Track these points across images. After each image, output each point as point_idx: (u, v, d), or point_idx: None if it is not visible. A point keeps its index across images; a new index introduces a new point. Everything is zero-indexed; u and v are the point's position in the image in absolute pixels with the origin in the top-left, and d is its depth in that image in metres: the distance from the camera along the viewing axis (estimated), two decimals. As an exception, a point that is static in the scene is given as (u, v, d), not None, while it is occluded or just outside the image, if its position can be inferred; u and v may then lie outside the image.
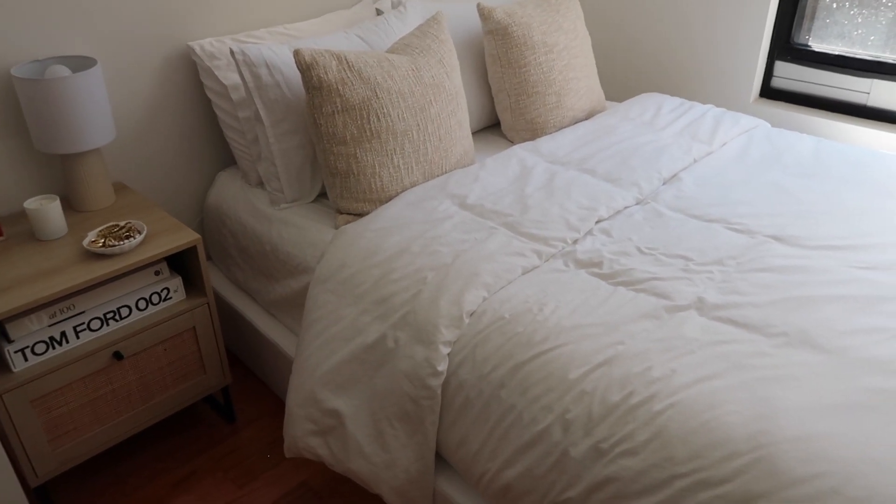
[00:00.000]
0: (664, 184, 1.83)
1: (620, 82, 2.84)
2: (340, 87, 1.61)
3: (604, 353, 1.21)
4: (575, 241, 1.56)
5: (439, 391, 1.32)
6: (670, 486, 1.02)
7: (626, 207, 1.70)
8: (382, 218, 1.62)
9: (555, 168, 1.85)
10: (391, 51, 1.81)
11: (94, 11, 1.70)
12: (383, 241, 1.54)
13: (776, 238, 1.55)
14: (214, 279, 2.08)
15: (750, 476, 0.97)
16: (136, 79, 1.83)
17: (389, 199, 1.72)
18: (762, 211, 1.67)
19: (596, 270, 1.46)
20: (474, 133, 2.27)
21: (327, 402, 1.46)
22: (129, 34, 1.77)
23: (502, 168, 1.85)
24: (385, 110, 1.66)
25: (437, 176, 1.81)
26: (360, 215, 1.71)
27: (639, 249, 1.52)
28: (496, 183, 1.77)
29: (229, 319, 2.04)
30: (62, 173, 1.68)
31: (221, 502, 1.66)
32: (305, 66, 1.58)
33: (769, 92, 2.49)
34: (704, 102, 2.60)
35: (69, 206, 1.73)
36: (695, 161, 1.93)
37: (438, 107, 1.76)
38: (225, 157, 2.09)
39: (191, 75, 1.93)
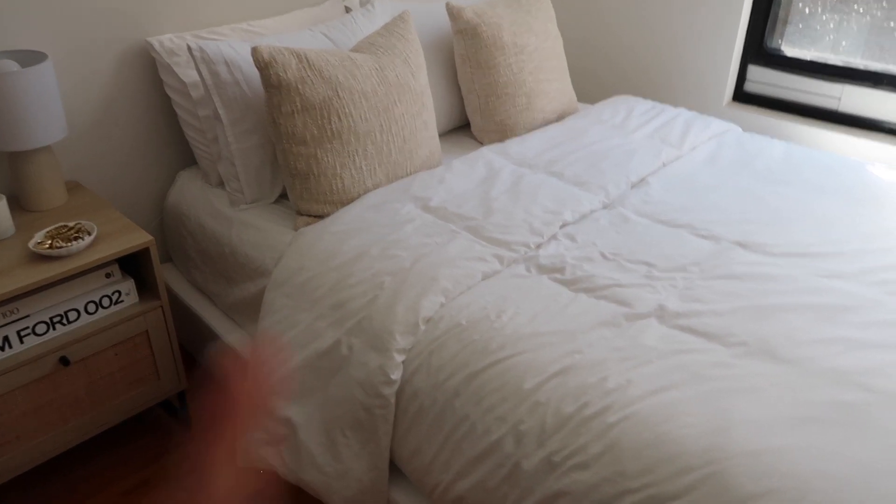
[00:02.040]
0: (632, 188, 1.80)
1: (594, 84, 2.82)
2: (300, 86, 1.56)
3: (560, 362, 1.18)
4: (538, 246, 1.53)
5: (393, 400, 1.28)
6: (621, 501, 0.99)
7: (592, 212, 1.67)
8: (343, 220, 1.58)
9: (522, 171, 1.81)
10: (355, 49, 1.77)
11: (44, 4, 1.64)
12: (342, 245, 1.50)
13: (742, 245, 1.53)
14: (175, 281, 2.03)
15: (700, 492, 0.94)
16: (92, 75, 1.77)
17: (351, 200, 1.67)
18: (730, 217, 1.64)
19: (558, 276, 1.42)
20: (444, 134, 2.23)
21: (279, 411, 1.41)
22: (83, 28, 1.72)
23: (469, 170, 1.81)
24: (347, 110, 1.62)
25: (402, 178, 1.77)
26: (321, 217, 1.67)
27: (602, 255, 1.49)
28: (461, 185, 1.73)
29: (189, 322, 1.99)
30: (10, 171, 1.62)
31: (173, 512, 1.61)
32: (264, 64, 1.54)
33: (742, 96, 2.47)
34: (678, 105, 2.58)
35: (18, 205, 1.67)
36: (664, 165, 1.91)
37: (403, 107, 1.72)
38: (186, 156, 2.04)
39: (150, 71, 1.87)
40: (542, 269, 1.45)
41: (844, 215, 1.65)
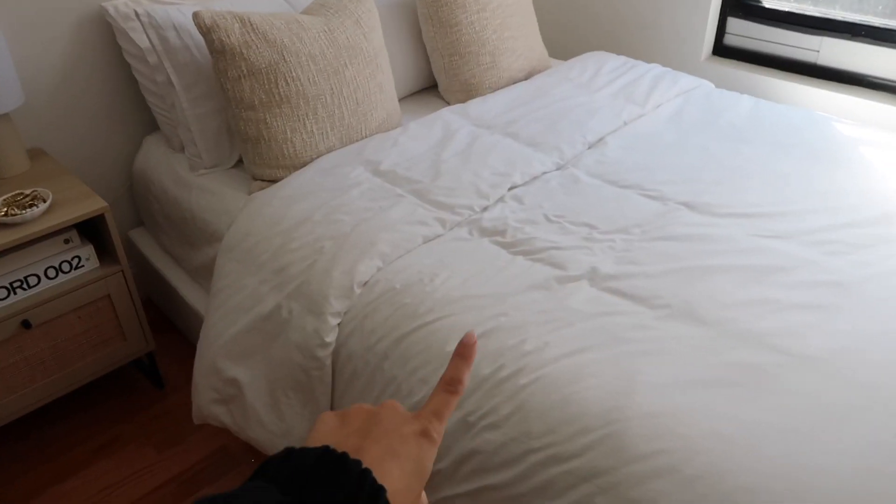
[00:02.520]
0: (589, 148, 1.78)
1: (570, 41, 2.76)
2: (245, 51, 1.56)
3: (484, 325, 1.20)
4: (484, 209, 1.53)
5: (328, 362, 1.32)
6: (525, 461, 1.02)
7: (543, 173, 1.66)
8: (293, 185, 1.59)
9: (478, 132, 1.81)
10: (305, 12, 1.75)
11: (-3, -28, 1.65)
12: (288, 210, 1.52)
13: (687, 205, 1.52)
14: (147, 245, 2.07)
15: (597, 452, 0.97)
16: (48, 41, 1.78)
17: (304, 164, 1.69)
18: (682, 177, 1.63)
19: (499, 239, 1.43)
20: (413, 94, 2.22)
21: (227, 372, 1.46)
22: (37, -5, 1.72)
23: (425, 132, 1.81)
24: (294, 74, 1.61)
25: (357, 141, 1.77)
26: (274, 181, 1.68)
27: (546, 217, 1.49)
28: (415, 148, 1.73)
29: (161, 285, 2.04)
30: (-30, 140, 1.65)
31: (139, 467, 1.68)
32: (206, 29, 1.54)
33: (722, 50, 2.41)
34: (656, 61, 2.53)
35: (-20, 173, 1.71)
36: (625, 124, 1.88)
37: (355, 69, 1.72)
38: (152, 121, 2.05)
39: (110, 37, 1.88)
40: (484, 232, 1.46)
41: (800, 174, 1.63)
